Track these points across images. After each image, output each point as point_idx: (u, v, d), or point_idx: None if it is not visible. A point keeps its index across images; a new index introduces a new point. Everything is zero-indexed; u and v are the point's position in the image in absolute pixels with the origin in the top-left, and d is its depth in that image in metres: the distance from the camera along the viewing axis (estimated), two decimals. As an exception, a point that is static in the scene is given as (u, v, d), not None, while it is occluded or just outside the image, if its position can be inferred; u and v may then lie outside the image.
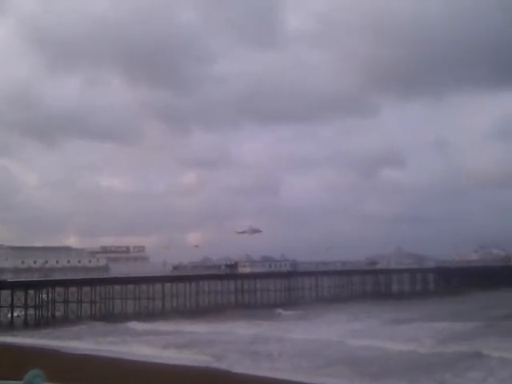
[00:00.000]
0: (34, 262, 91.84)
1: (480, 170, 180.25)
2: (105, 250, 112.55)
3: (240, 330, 48.29)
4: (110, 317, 65.47)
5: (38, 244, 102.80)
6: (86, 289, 69.55)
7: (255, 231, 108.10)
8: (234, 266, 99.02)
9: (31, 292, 64.70)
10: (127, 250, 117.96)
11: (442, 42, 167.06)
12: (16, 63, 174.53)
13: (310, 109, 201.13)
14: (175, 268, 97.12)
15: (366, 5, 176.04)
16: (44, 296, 64.50)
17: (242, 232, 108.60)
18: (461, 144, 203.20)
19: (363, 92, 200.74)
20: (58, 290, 68.00)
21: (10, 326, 59.02)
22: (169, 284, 75.18)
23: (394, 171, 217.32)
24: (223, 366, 31.90)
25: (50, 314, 65.37)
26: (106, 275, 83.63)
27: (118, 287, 71.48)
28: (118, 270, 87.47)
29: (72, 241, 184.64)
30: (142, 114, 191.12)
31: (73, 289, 68.25)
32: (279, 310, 68.78)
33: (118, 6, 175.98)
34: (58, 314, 65.89)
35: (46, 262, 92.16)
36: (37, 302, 64.60)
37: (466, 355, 34.26)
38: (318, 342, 39.45)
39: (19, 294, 64.39)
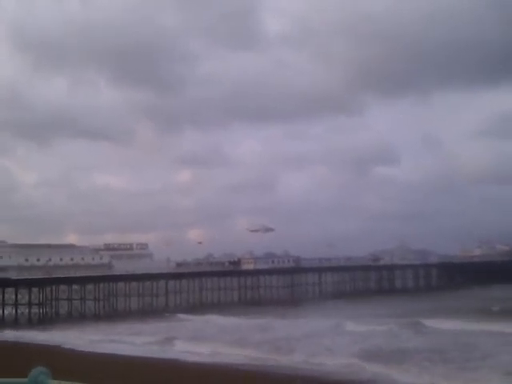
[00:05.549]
0: (38, 260, 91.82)
1: (473, 167, 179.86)
2: (108, 248, 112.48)
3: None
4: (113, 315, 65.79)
5: (41, 242, 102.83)
6: (90, 286, 69.78)
7: (268, 230, 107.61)
8: (237, 262, 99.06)
9: (35, 290, 64.93)
10: (130, 247, 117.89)
11: (429, 39, 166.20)
12: (3, 65, 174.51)
13: (298, 108, 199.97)
14: (179, 265, 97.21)
15: (351, 4, 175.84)
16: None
17: (255, 230, 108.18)
18: (452, 141, 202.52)
19: (351, 90, 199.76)
20: (62, 287, 68.27)
21: (15, 324, 59.28)
22: (172, 281, 75.34)
23: (388, 168, 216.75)
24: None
25: (53, 311, 65.71)
26: (109, 272, 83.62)
27: (121, 284, 71.70)
28: (122, 267, 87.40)
29: (75, 238, 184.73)
30: (131, 113, 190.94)
31: (76, 286, 68.43)
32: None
33: (103, 7, 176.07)
34: (61, 311, 66.24)
35: (50, 259, 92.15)
36: (40, 300, 64.88)
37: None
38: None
39: (23, 292, 64.61)
